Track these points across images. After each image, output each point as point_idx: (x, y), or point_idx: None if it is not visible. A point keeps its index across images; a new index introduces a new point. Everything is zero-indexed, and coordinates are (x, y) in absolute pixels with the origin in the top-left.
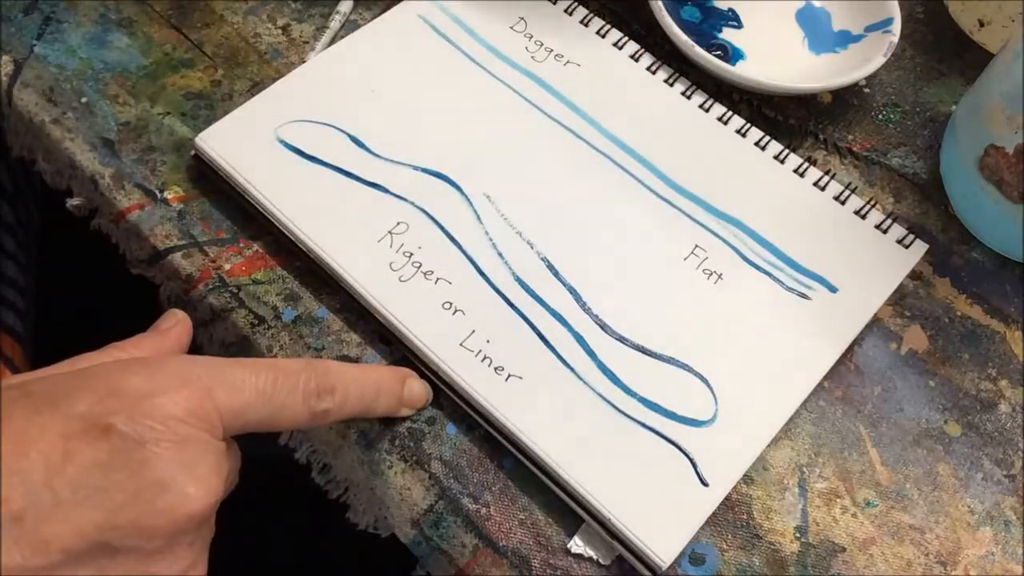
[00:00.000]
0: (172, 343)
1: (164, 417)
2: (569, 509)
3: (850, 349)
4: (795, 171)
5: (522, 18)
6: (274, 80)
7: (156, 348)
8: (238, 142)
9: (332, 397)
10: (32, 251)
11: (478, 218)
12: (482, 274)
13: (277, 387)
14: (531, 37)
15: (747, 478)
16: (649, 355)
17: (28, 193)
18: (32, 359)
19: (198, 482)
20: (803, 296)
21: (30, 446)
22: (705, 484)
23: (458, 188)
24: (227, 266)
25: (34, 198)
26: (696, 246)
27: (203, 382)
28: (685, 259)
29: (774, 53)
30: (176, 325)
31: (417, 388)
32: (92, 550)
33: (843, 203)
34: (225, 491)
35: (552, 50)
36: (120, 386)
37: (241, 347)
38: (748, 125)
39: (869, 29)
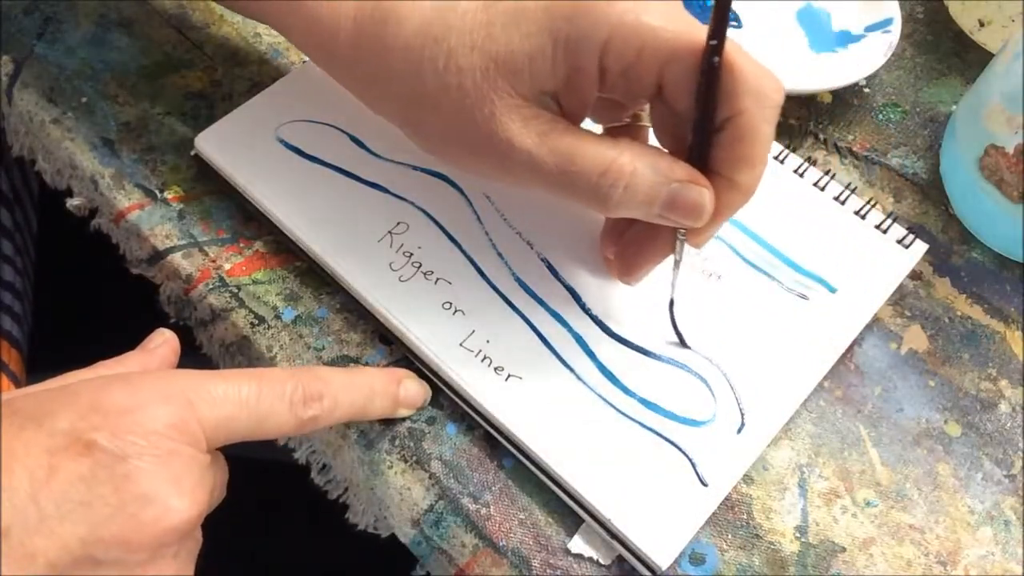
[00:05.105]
0: (159, 362)
1: (146, 432)
2: (569, 509)
3: (850, 349)
4: (795, 171)
5: None
6: (274, 80)
7: (143, 366)
8: (238, 142)
9: (320, 404)
10: (30, 255)
11: (478, 218)
12: (482, 274)
13: (261, 397)
14: None
15: (747, 478)
16: (648, 355)
17: (26, 197)
18: (30, 364)
19: (182, 495)
20: (802, 296)
21: (15, 462)
22: (705, 484)
23: (458, 188)
24: (227, 266)
25: (32, 202)
26: None
27: (184, 396)
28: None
29: (774, 53)
30: (163, 344)
31: (414, 388)
32: (77, 563)
33: (843, 203)
34: (211, 503)
35: None
36: (102, 402)
37: (241, 347)
38: None
39: (869, 29)
